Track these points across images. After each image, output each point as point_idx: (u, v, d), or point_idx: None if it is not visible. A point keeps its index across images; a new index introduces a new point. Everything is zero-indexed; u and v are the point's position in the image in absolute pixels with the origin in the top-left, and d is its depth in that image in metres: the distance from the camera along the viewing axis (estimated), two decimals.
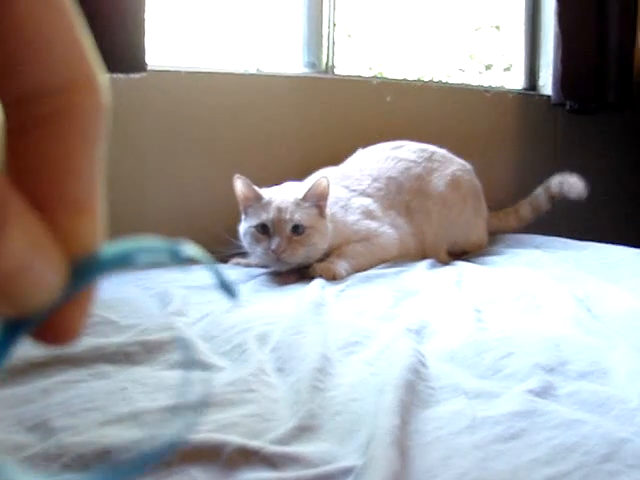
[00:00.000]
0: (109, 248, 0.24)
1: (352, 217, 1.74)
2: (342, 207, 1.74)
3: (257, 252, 1.60)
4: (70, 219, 0.23)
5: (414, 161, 1.93)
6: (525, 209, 2.23)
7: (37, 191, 0.22)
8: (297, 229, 1.57)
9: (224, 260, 1.71)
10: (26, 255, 0.20)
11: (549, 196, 2.21)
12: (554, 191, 2.19)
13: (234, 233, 1.65)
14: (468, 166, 2.03)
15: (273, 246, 1.54)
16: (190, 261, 0.24)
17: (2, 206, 0.20)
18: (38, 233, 0.21)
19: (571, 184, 2.16)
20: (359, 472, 0.64)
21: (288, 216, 1.56)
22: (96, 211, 0.24)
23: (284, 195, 1.62)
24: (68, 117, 0.23)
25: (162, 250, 0.24)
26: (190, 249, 0.24)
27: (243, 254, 1.68)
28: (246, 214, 1.64)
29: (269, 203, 1.59)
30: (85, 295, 0.24)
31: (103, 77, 0.23)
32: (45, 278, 0.21)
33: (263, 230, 1.58)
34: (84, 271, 0.23)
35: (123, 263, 0.23)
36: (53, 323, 0.23)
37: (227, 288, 0.25)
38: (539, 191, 2.22)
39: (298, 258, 1.58)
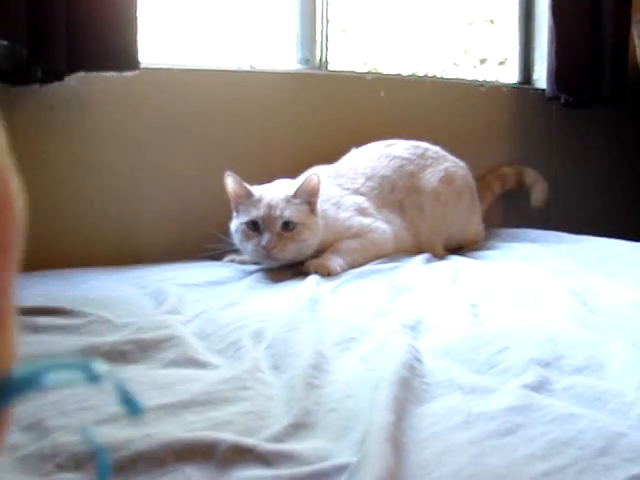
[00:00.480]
0: (19, 370, 0.23)
1: (344, 214, 1.74)
2: (334, 204, 1.74)
3: (248, 249, 1.60)
4: None
5: (407, 158, 1.93)
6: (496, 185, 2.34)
7: None
8: (287, 225, 1.57)
9: (218, 257, 1.71)
10: None
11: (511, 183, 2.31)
12: (525, 181, 2.29)
13: (227, 230, 1.65)
14: (462, 163, 2.03)
15: (263, 242, 1.54)
16: (100, 379, 0.24)
17: None
18: None
19: (538, 191, 2.27)
20: (353, 469, 0.64)
21: (278, 212, 1.56)
22: (12, 328, 0.23)
23: (275, 192, 1.61)
24: None
25: (73, 368, 0.24)
26: (100, 366, 0.24)
27: (237, 251, 1.68)
28: (237, 211, 1.63)
29: (260, 200, 1.59)
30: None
31: (15, 186, 0.22)
32: None
33: (254, 227, 1.58)
34: None
35: (33, 385, 0.23)
36: None
37: (130, 404, 0.26)
38: (509, 171, 2.33)
39: (288, 254, 1.58)
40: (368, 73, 2.32)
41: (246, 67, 2.04)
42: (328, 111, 2.15)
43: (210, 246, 1.63)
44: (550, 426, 0.74)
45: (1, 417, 0.23)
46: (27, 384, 0.22)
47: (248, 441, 0.71)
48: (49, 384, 0.23)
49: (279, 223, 1.57)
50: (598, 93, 2.47)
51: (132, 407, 0.25)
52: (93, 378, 0.24)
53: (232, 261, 1.72)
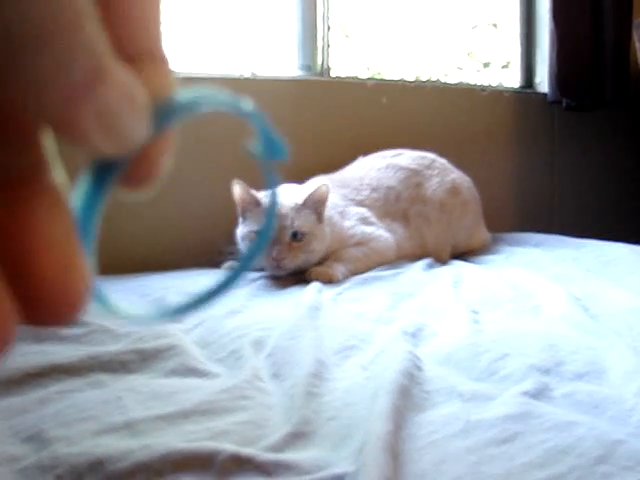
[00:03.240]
0: (182, 94, 0.26)
1: (349, 222, 1.74)
2: (339, 213, 1.75)
3: None
4: (151, 67, 0.25)
5: (414, 169, 1.94)
6: None
7: (118, 44, 0.24)
8: (296, 236, 1.58)
9: (218, 264, 1.71)
10: (130, 91, 0.23)
11: None
12: None
13: (230, 237, 1.65)
14: (467, 177, 2.04)
15: (274, 254, 1.54)
16: (246, 115, 0.27)
17: (107, 47, 0.22)
18: (130, 78, 0.23)
19: None
20: (351, 478, 0.64)
21: (288, 223, 1.57)
22: (168, 61, 0.26)
23: (283, 200, 1.61)
24: None
25: (227, 102, 0.27)
26: (249, 106, 0.27)
27: (236, 258, 1.68)
28: (244, 218, 1.64)
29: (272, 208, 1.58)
30: (165, 139, 0.26)
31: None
32: (137, 118, 0.23)
33: (257, 234, 1.58)
34: (164, 115, 0.25)
35: (194, 109, 0.26)
36: (138, 164, 0.25)
37: (274, 146, 0.28)
38: None
39: (297, 264, 1.58)
40: (370, 79, 2.33)
41: (248, 74, 2.05)
42: (330, 117, 2.15)
43: (210, 255, 1.63)
44: (549, 434, 0.74)
45: (167, 137, 0.26)
46: (188, 108, 0.25)
47: (247, 451, 0.71)
48: (205, 109, 0.26)
49: (289, 233, 1.57)
50: (600, 97, 2.47)
51: (275, 148, 0.28)
52: (241, 112, 0.27)
53: (231, 269, 1.72)
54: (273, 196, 0.32)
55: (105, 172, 0.24)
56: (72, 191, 0.25)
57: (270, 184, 0.29)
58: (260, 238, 0.31)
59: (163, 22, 0.26)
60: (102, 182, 0.25)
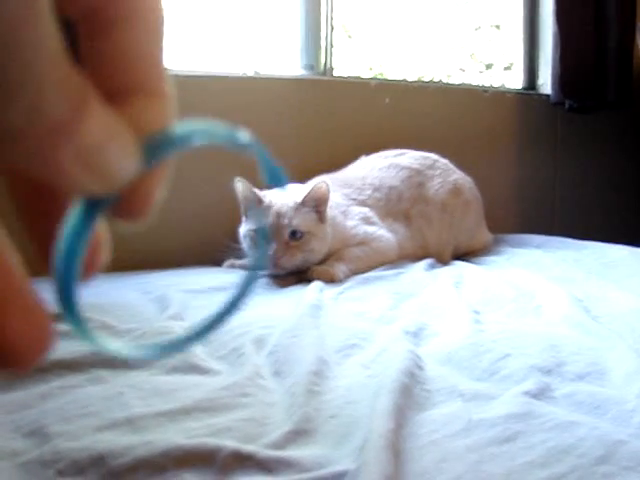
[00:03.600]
0: (178, 127, 0.26)
1: (351, 222, 1.74)
2: (342, 212, 1.75)
3: (255, 255, 1.60)
4: (144, 102, 0.25)
5: (416, 169, 1.94)
6: None
7: (110, 81, 0.25)
8: (295, 234, 1.58)
9: (219, 262, 1.71)
10: (107, 131, 0.23)
11: None
12: None
13: (232, 236, 1.65)
14: (469, 178, 2.04)
15: (270, 252, 1.54)
16: (244, 148, 0.27)
17: (83, 91, 0.22)
18: (113, 115, 0.23)
19: None
20: (352, 476, 0.64)
21: (286, 221, 1.57)
22: (167, 94, 0.26)
23: (284, 199, 1.62)
24: (137, 14, 0.26)
25: (223, 134, 0.27)
26: (245, 137, 0.27)
27: (238, 256, 1.68)
28: (246, 216, 1.64)
29: (268, 207, 1.59)
30: (157, 171, 0.26)
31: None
32: (122, 155, 0.23)
33: (260, 234, 1.58)
34: (156, 149, 0.25)
35: (188, 143, 0.26)
36: (129, 198, 0.25)
37: (275, 175, 0.28)
38: None
39: (295, 263, 1.58)
40: (373, 79, 2.33)
41: (251, 73, 2.05)
42: (332, 117, 2.15)
43: (212, 252, 1.64)
44: (550, 433, 0.74)
45: (160, 171, 0.26)
46: (183, 141, 0.26)
47: (248, 448, 0.71)
48: (199, 143, 0.26)
49: (287, 232, 1.57)
50: (603, 98, 2.47)
51: (276, 177, 0.28)
52: (238, 145, 0.27)
53: (232, 266, 1.72)
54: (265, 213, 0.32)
55: (94, 206, 0.24)
56: (62, 223, 0.25)
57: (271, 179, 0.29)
58: (261, 238, 0.32)
59: (163, 55, 0.27)
60: (90, 216, 0.25)
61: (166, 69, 0.27)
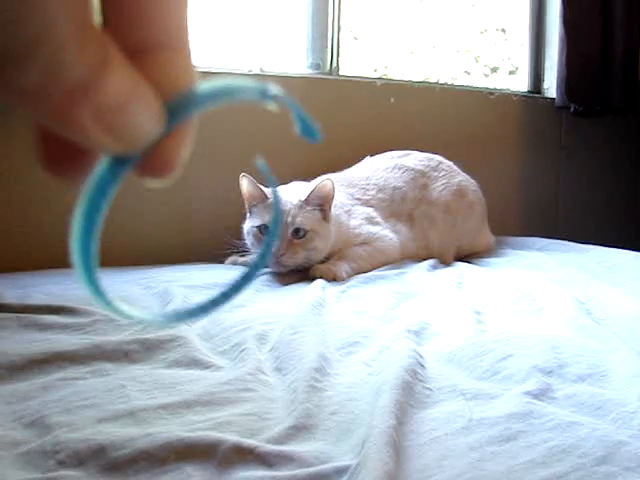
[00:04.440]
0: (203, 85, 0.26)
1: (355, 222, 1.74)
2: (346, 212, 1.75)
3: (258, 252, 1.60)
4: (169, 56, 0.25)
5: (420, 171, 1.94)
6: None
7: (134, 35, 0.25)
8: (298, 232, 1.58)
9: (222, 258, 1.71)
10: (127, 91, 0.23)
11: None
12: None
13: (234, 231, 1.65)
14: (473, 180, 2.04)
15: (273, 249, 1.54)
16: (275, 99, 0.26)
17: (104, 51, 0.22)
18: (134, 74, 0.23)
19: None
20: (353, 472, 0.64)
21: (290, 219, 1.57)
22: (190, 50, 0.26)
23: (288, 197, 1.62)
24: None
25: (252, 89, 0.26)
26: (276, 89, 0.27)
27: (241, 253, 1.68)
28: (250, 213, 1.64)
29: (279, 200, 1.58)
30: (182, 130, 0.26)
31: None
32: (144, 116, 0.23)
33: (266, 231, 1.58)
34: (181, 107, 0.25)
35: (216, 99, 0.26)
36: (154, 157, 0.25)
37: (307, 127, 0.28)
38: None
39: (298, 261, 1.58)
40: (378, 79, 2.33)
41: (256, 70, 2.05)
42: (338, 116, 2.15)
43: (215, 248, 1.63)
44: (551, 433, 0.74)
45: (184, 129, 0.26)
46: (209, 99, 0.25)
47: (249, 442, 0.71)
48: (225, 100, 0.26)
49: (290, 230, 1.57)
50: (608, 103, 2.47)
51: (309, 130, 0.28)
52: (270, 97, 0.26)
53: (234, 263, 1.72)
54: (276, 194, 0.32)
55: (119, 163, 0.24)
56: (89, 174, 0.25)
57: (270, 182, 0.29)
58: (267, 236, 0.31)
59: (189, 14, 0.26)
60: (114, 174, 0.25)
61: (189, 25, 0.27)
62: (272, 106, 0.27)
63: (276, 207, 0.28)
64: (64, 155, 0.25)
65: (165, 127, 0.25)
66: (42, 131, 0.25)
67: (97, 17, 0.23)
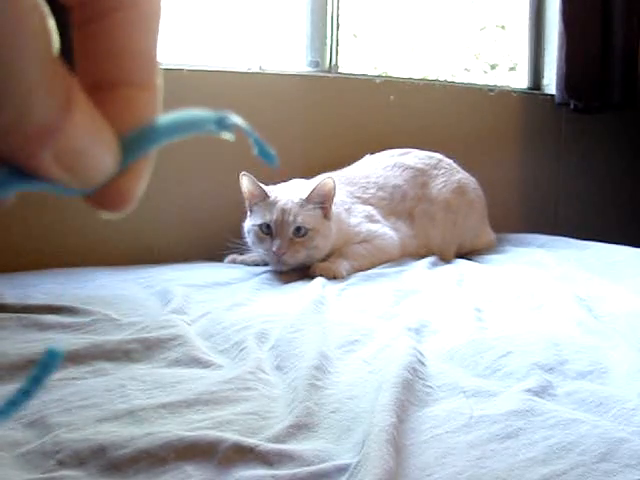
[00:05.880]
0: (161, 120, 0.26)
1: (355, 220, 1.74)
2: (346, 210, 1.74)
3: (259, 251, 1.61)
4: (134, 93, 0.25)
5: (420, 169, 1.94)
6: None
7: (100, 70, 0.25)
8: (299, 231, 1.58)
9: (221, 257, 1.72)
10: (88, 135, 0.23)
11: None
12: None
13: (236, 231, 1.65)
14: (473, 178, 2.04)
15: (274, 248, 1.54)
16: (234, 129, 0.27)
17: (68, 93, 0.22)
18: (95, 116, 0.24)
19: None
20: (353, 470, 0.64)
21: (291, 218, 1.56)
22: (156, 88, 0.26)
23: (289, 195, 1.61)
24: (134, 5, 0.25)
25: (210, 120, 0.26)
26: (234, 118, 0.27)
27: (240, 251, 1.68)
28: (251, 211, 1.64)
29: (274, 203, 1.59)
30: (138, 165, 0.26)
31: None
32: (101, 157, 0.24)
33: (267, 230, 1.58)
34: (137, 143, 0.25)
35: (173, 134, 0.26)
36: (109, 191, 0.25)
37: (265, 153, 0.28)
38: None
39: (299, 259, 1.58)
40: (378, 77, 2.32)
41: (256, 68, 2.05)
42: (337, 114, 2.15)
43: (216, 248, 1.63)
44: (551, 431, 0.74)
45: (142, 165, 0.26)
46: (167, 133, 0.26)
47: (249, 441, 0.71)
48: (187, 133, 0.26)
49: (291, 229, 1.57)
50: (608, 99, 2.47)
51: (266, 154, 0.29)
52: (227, 127, 0.27)
53: (234, 261, 1.72)
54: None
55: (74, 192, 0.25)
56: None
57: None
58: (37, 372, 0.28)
59: (157, 49, 0.26)
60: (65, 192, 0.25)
61: (158, 62, 0.27)
62: (228, 136, 0.27)
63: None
64: None
65: (122, 163, 0.25)
66: None
67: (56, 48, 0.23)
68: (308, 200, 1.60)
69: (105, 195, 0.25)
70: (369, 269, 1.64)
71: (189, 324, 1.16)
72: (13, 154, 0.22)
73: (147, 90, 0.26)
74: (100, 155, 0.24)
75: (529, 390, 0.85)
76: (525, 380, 0.89)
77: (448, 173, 1.97)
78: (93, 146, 0.23)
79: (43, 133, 0.22)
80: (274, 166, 0.29)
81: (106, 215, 0.26)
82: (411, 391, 0.84)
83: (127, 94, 0.25)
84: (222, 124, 0.26)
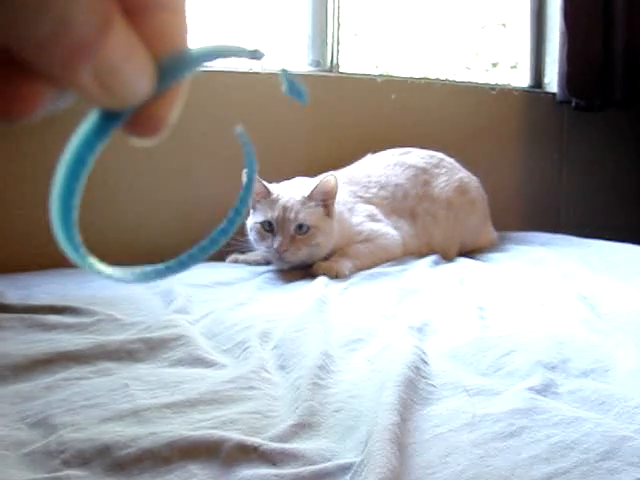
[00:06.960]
0: (195, 48, 0.27)
1: (356, 219, 1.74)
2: (348, 209, 1.75)
3: (261, 248, 1.61)
4: (165, 17, 0.26)
5: (422, 168, 1.94)
6: None
7: None
8: (301, 228, 1.58)
9: (223, 256, 1.72)
10: (125, 53, 0.24)
11: None
12: None
13: (237, 230, 1.65)
14: (474, 177, 2.04)
15: (275, 245, 1.54)
16: (264, 59, 0.28)
17: (108, 13, 0.23)
18: (132, 36, 0.24)
19: None
20: (357, 469, 0.64)
21: (293, 215, 1.57)
22: (185, 11, 0.27)
23: (292, 193, 1.62)
24: None
25: (242, 51, 0.28)
26: (261, 52, 0.28)
27: (242, 251, 1.68)
28: (254, 209, 1.64)
29: (276, 200, 1.59)
30: (173, 91, 0.27)
31: None
32: (138, 77, 0.24)
33: (269, 227, 1.58)
34: (174, 68, 0.26)
35: (209, 59, 0.27)
36: (144, 116, 0.26)
37: (296, 91, 0.29)
38: None
39: (300, 257, 1.58)
40: (379, 76, 2.32)
41: (257, 68, 2.05)
42: (338, 113, 2.15)
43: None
44: (554, 429, 0.74)
45: (176, 91, 0.27)
46: (201, 60, 0.26)
47: (253, 440, 0.72)
48: (222, 57, 0.27)
49: (293, 226, 1.57)
50: (609, 97, 2.46)
51: (296, 90, 0.30)
52: (259, 57, 0.28)
53: (235, 261, 1.72)
54: (249, 150, 0.32)
55: (109, 118, 0.25)
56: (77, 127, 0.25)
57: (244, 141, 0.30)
58: (243, 191, 0.31)
59: None
60: (104, 127, 0.25)
61: None
62: (260, 67, 0.28)
63: (250, 165, 0.29)
64: (13, 94, 0.25)
65: (157, 87, 0.25)
66: None
67: None
68: (310, 197, 1.60)
69: (139, 120, 0.26)
70: (371, 268, 1.64)
71: (192, 324, 1.16)
72: (53, 69, 0.23)
73: (178, 14, 0.27)
74: (136, 76, 0.24)
75: (532, 388, 0.85)
76: (528, 378, 0.89)
77: (450, 172, 1.97)
78: (130, 66, 0.24)
79: (83, 48, 0.22)
80: (305, 104, 0.29)
81: (139, 142, 0.27)
82: (414, 390, 0.84)
83: (160, 18, 0.26)
84: (255, 56, 0.28)
